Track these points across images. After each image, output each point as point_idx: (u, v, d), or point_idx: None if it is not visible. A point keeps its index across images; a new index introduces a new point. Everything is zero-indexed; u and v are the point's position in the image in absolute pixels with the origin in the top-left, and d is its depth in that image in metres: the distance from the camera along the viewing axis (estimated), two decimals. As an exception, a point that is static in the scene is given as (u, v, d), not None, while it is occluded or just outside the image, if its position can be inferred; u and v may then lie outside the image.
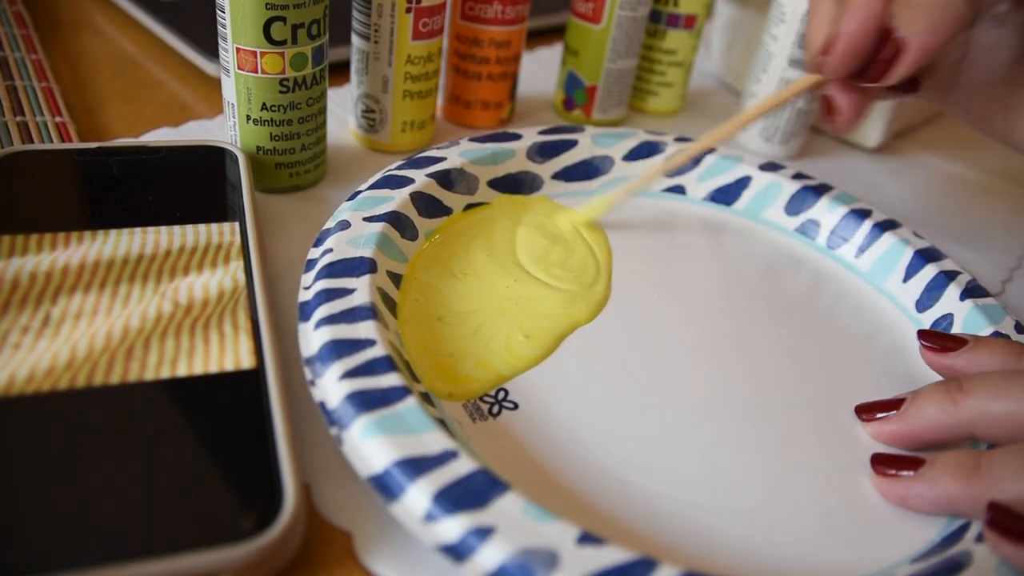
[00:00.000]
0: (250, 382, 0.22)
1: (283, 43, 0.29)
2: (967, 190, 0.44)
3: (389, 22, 0.34)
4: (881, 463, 0.24)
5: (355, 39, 0.35)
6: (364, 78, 0.36)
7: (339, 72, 0.43)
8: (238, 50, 0.29)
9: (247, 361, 0.22)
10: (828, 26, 0.28)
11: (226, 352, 0.22)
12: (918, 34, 0.26)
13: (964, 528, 0.22)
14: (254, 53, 0.29)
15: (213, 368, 0.22)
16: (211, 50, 0.40)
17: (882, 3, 0.27)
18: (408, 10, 0.34)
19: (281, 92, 0.30)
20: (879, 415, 0.25)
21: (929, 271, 0.31)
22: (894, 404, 0.25)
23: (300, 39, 0.30)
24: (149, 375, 0.21)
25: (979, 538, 0.21)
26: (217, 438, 0.20)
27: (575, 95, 0.43)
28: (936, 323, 0.30)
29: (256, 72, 0.30)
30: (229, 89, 0.31)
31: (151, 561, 0.17)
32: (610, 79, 0.41)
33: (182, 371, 0.22)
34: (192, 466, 0.19)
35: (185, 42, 0.40)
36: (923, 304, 0.31)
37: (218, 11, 0.29)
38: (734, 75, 0.50)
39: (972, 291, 0.30)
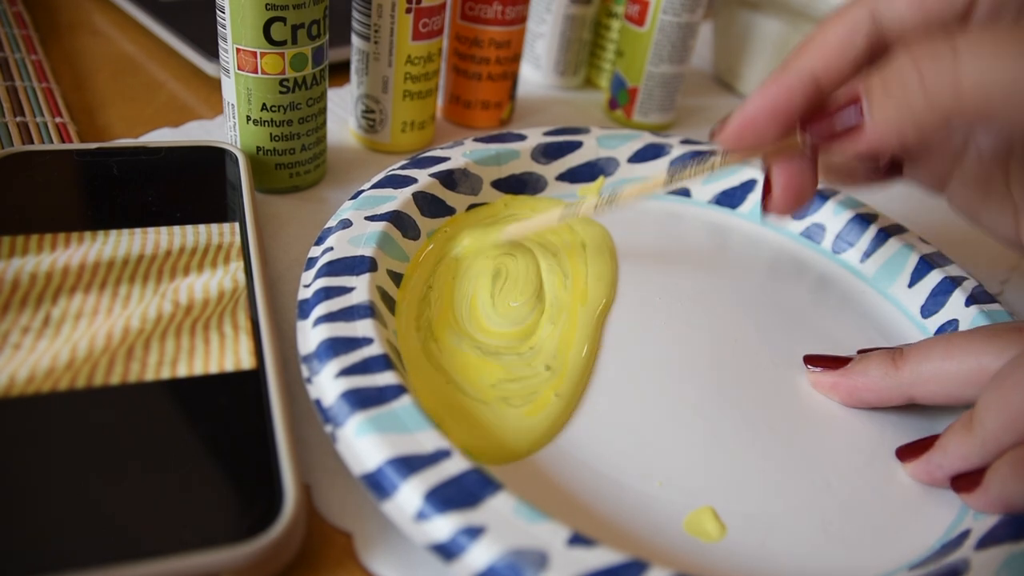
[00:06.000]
0: (250, 382, 0.22)
1: (283, 43, 0.29)
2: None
3: (389, 22, 0.34)
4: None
5: (355, 39, 0.35)
6: (364, 78, 0.36)
7: (339, 72, 0.43)
8: (238, 50, 0.29)
9: (247, 361, 0.22)
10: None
11: (226, 352, 0.22)
12: (878, 126, 0.22)
13: (963, 536, 0.22)
14: (254, 53, 0.29)
15: (213, 368, 0.22)
16: (211, 50, 0.40)
17: (808, 77, 0.24)
18: (408, 10, 0.34)
19: (281, 92, 0.30)
20: (825, 367, 0.27)
21: (934, 276, 0.31)
22: (842, 361, 0.27)
23: (300, 39, 0.30)
24: (149, 375, 0.21)
25: (978, 545, 0.21)
26: (217, 438, 0.20)
27: (619, 95, 0.43)
28: (941, 328, 0.30)
29: (256, 72, 0.30)
30: (229, 89, 0.31)
31: (151, 561, 0.17)
32: (651, 82, 0.42)
33: (182, 371, 0.22)
34: (192, 466, 0.19)
35: (185, 42, 0.41)
36: (928, 309, 0.31)
37: (218, 11, 0.29)
38: (732, 74, 0.50)
39: (977, 297, 0.30)
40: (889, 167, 0.29)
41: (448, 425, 0.23)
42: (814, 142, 0.24)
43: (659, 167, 0.36)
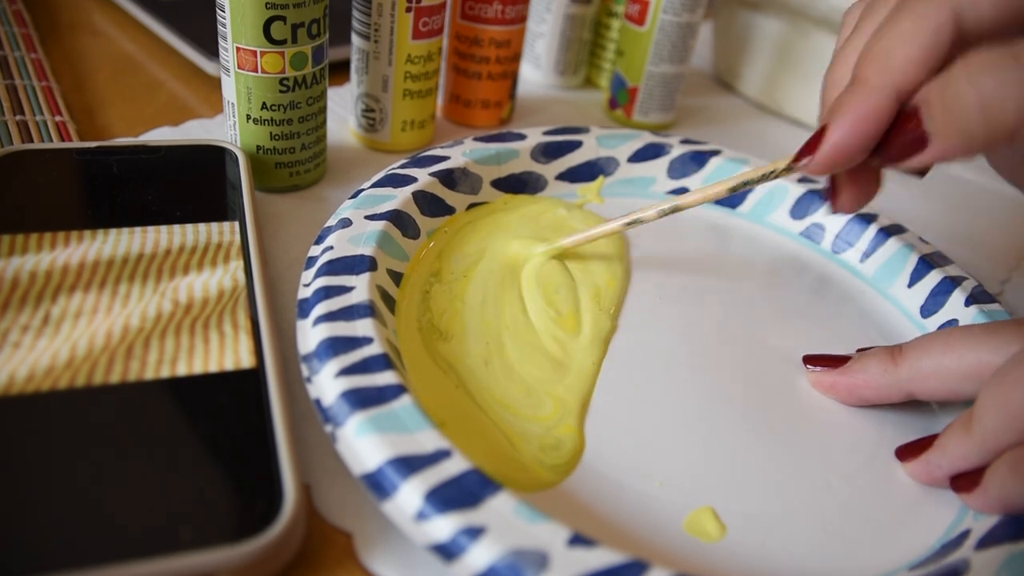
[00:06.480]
0: (250, 382, 0.22)
1: (283, 42, 0.29)
2: (966, 190, 0.44)
3: (389, 21, 0.34)
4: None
5: (355, 39, 0.35)
6: (364, 77, 0.36)
7: (339, 72, 0.43)
8: (238, 49, 0.29)
9: (247, 360, 0.22)
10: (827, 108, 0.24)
11: (226, 351, 0.22)
12: (944, 139, 0.21)
13: (963, 536, 0.22)
14: (254, 52, 0.29)
15: (213, 367, 0.22)
16: (211, 49, 0.40)
17: (893, 97, 0.22)
18: (408, 9, 0.34)
19: (281, 91, 0.30)
20: (824, 366, 0.27)
21: (934, 276, 0.31)
22: (841, 360, 0.27)
23: (300, 38, 0.30)
24: (149, 374, 0.21)
25: (978, 545, 0.21)
26: (217, 438, 0.20)
27: (619, 95, 0.43)
28: (940, 328, 0.30)
29: (256, 71, 0.30)
30: (229, 88, 0.31)
31: (151, 561, 0.17)
32: (651, 82, 0.42)
33: (182, 370, 0.22)
34: (192, 466, 0.19)
35: (185, 41, 0.40)
36: (928, 309, 0.31)
37: (218, 11, 0.29)
38: (732, 74, 0.50)
39: (977, 297, 0.30)
40: None
41: (450, 429, 0.23)
42: (884, 162, 0.23)
43: (722, 177, 0.35)
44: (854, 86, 0.23)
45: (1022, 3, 0.21)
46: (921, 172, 0.26)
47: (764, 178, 0.27)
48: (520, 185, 0.34)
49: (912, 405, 0.27)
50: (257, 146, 0.32)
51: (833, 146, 0.23)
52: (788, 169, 0.26)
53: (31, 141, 0.32)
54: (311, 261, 0.26)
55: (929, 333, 0.27)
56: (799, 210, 0.35)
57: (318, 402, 0.22)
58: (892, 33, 0.22)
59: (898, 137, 0.22)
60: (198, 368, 0.22)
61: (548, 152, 0.35)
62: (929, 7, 0.22)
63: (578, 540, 0.19)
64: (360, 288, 0.25)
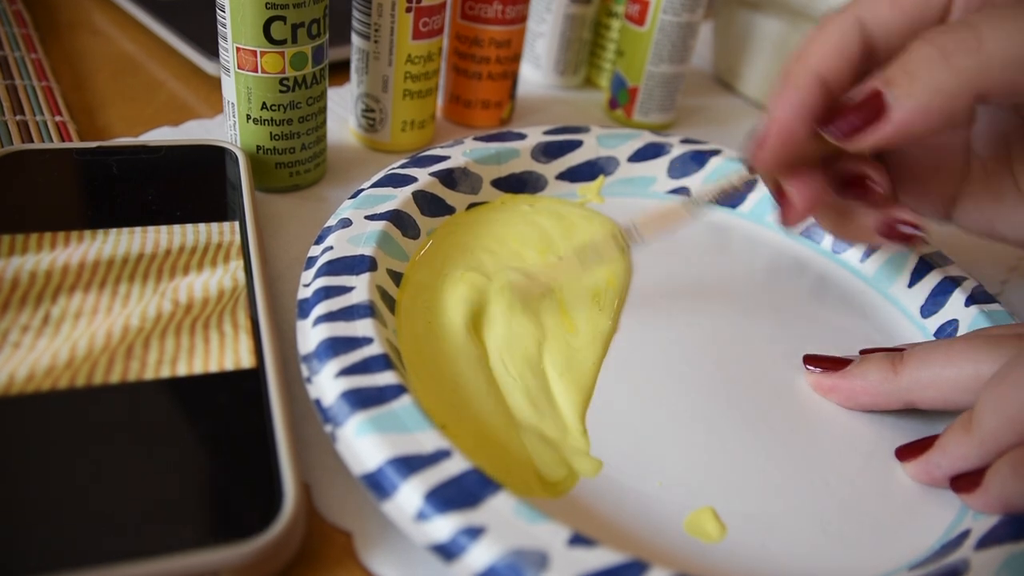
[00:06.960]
0: (250, 381, 0.22)
1: (283, 42, 0.29)
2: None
3: (389, 22, 0.34)
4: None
5: (355, 39, 0.35)
6: (364, 77, 0.36)
7: (339, 72, 0.43)
8: (238, 49, 0.29)
9: (247, 360, 0.22)
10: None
11: (226, 351, 0.22)
12: (907, 108, 0.22)
13: (963, 536, 0.22)
14: (254, 52, 0.29)
15: (213, 367, 0.22)
16: (211, 49, 0.40)
17: (816, 79, 0.24)
18: (408, 10, 0.34)
19: (281, 91, 0.30)
20: (825, 368, 0.27)
21: (934, 276, 0.31)
22: (842, 363, 0.27)
23: (300, 38, 0.30)
24: (149, 374, 0.21)
25: (978, 545, 0.21)
26: (217, 437, 0.20)
27: (619, 95, 0.43)
28: (941, 328, 0.30)
29: (256, 71, 0.30)
30: (229, 88, 0.31)
31: (151, 561, 0.17)
32: (651, 82, 0.42)
33: (182, 370, 0.22)
34: (192, 465, 0.19)
35: (185, 42, 0.40)
36: (928, 310, 0.31)
37: (218, 11, 0.29)
38: (732, 74, 0.50)
39: (977, 297, 0.30)
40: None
41: (451, 431, 0.23)
42: (837, 138, 0.24)
43: (686, 189, 0.35)
44: (781, 81, 0.25)
45: (911, 5, 0.24)
46: (905, 238, 0.27)
47: (725, 191, 0.28)
48: (520, 185, 0.34)
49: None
50: (257, 146, 0.32)
51: (778, 129, 0.24)
52: (746, 173, 0.27)
53: (31, 141, 0.32)
54: (311, 261, 0.26)
55: (931, 342, 0.27)
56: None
57: (318, 402, 0.22)
58: (806, 42, 0.25)
59: (851, 111, 0.23)
60: (198, 368, 0.22)
61: (548, 152, 0.35)
62: (835, 15, 0.25)
63: (578, 540, 0.19)
64: (360, 288, 0.25)
